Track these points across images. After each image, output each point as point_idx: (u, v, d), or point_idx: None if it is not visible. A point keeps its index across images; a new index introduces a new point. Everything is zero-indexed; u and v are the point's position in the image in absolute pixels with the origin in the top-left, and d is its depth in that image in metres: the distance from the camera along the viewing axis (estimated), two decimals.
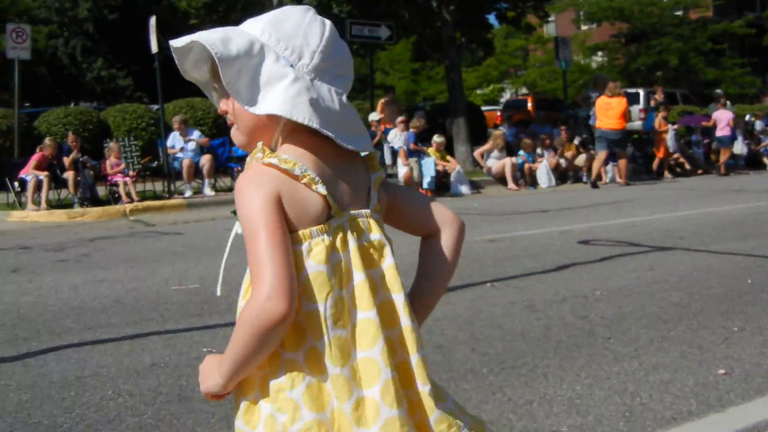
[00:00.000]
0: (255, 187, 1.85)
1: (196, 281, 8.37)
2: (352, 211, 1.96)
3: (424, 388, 1.95)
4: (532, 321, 6.39)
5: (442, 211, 2.17)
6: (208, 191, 18.05)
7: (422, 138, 19.26)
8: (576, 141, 21.56)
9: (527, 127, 23.95)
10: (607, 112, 19.68)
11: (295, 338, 1.87)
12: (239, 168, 19.44)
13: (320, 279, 1.87)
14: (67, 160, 16.71)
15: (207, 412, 4.51)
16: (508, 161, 19.95)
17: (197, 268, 9.17)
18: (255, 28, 1.95)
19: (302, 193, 1.87)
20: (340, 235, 1.91)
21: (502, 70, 53.04)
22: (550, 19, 36.36)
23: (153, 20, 17.16)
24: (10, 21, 25.68)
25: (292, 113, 1.86)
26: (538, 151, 20.53)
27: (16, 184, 16.54)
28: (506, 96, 53.44)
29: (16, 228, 14.47)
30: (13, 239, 12.64)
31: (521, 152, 20.32)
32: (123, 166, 17.30)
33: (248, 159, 1.97)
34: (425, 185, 18.19)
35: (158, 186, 18.31)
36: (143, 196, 17.30)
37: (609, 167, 20.46)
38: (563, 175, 20.85)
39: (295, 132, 1.93)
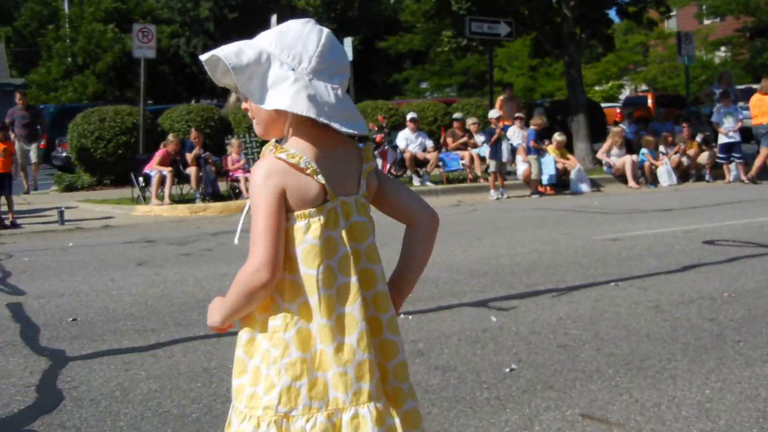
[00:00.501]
0: (265, 179, 2.34)
1: None
2: (345, 197, 2.43)
3: (394, 337, 2.51)
4: (658, 322, 6.26)
5: (421, 205, 2.61)
6: None
7: (542, 135, 19.04)
8: (698, 138, 21.02)
9: (647, 125, 23.43)
10: (761, 108, 19.24)
11: (293, 293, 2.39)
12: None
13: (315, 250, 2.37)
14: (189, 156, 17.05)
15: None
16: (628, 159, 19.58)
17: None
18: (264, 40, 2.42)
19: (305, 182, 2.35)
20: (332, 216, 2.40)
21: (622, 66, 52.06)
22: (671, 14, 35.58)
23: (274, 18, 17.39)
24: (136, 22, 26.35)
25: (292, 107, 2.31)
26: (661, 148, 20.09)
27: (141, 179, 16.94)
28: (626, 93, 52.58)
29: (140, 222, 14.83)
30: (138, 233, 12.96)
31: (644, 150, 19.93)
32: (243, 161, 17.57)
33: (263, 150, 2.46)
34: (544, 182, 18.00)
35: None
36: None
37: (733, 165, 19.91)
38: (685, 173, 20.36)
39: (302, 125, 2.40)
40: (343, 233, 2.41)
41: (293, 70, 2.36)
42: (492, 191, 17.35)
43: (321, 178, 2.36)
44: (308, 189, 2.36)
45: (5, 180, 14.34)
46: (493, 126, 17.90)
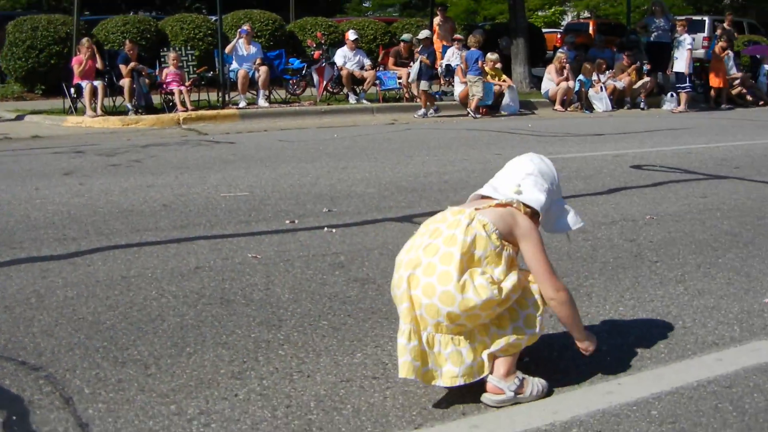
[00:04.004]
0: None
1: (245, 189, 8.40)
2: None
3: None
4: (580, 241, 6.32)
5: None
6: (262, 102, 18.01)
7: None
8: (638, 65, 21.06)
9: (587, 51, 23.48)
10: None
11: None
12: (294, 80, 19.34)
13: None
14: (124, 69, 16.71)
15: (248, 315, 4.54)
16: (563, 85, 19.67)
17: (247, 176, 9.20)
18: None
19: None
20: None
21: None
22: None
23: None
24: None
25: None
26: (594, 76, 20.16)
27: (73, 90, 16.62)
28: (567, 19, 52.58)
29: (71, 133, 14.60)
30: (68, 144, 12.76)
31: (580, 76, 20.01)
32: (179, 75, 17.29)
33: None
34: (480, 103, 17.96)
35: (213, 96, 18.29)
36: (197, 106, 17.34)
37: (669, 96, 20.11)
38: (620, 100, 20.51)
39: None
40: None
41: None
42: (422, 110, 17.49)
43: None
44: None
45: None
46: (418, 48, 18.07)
